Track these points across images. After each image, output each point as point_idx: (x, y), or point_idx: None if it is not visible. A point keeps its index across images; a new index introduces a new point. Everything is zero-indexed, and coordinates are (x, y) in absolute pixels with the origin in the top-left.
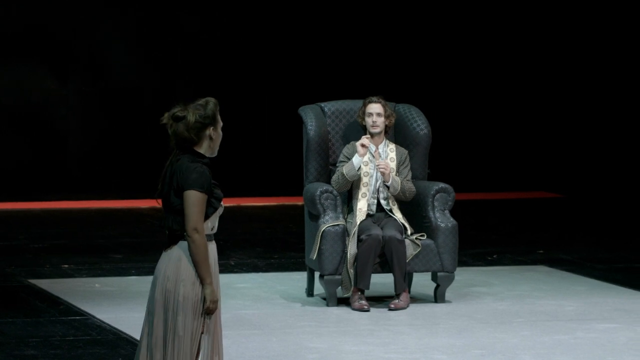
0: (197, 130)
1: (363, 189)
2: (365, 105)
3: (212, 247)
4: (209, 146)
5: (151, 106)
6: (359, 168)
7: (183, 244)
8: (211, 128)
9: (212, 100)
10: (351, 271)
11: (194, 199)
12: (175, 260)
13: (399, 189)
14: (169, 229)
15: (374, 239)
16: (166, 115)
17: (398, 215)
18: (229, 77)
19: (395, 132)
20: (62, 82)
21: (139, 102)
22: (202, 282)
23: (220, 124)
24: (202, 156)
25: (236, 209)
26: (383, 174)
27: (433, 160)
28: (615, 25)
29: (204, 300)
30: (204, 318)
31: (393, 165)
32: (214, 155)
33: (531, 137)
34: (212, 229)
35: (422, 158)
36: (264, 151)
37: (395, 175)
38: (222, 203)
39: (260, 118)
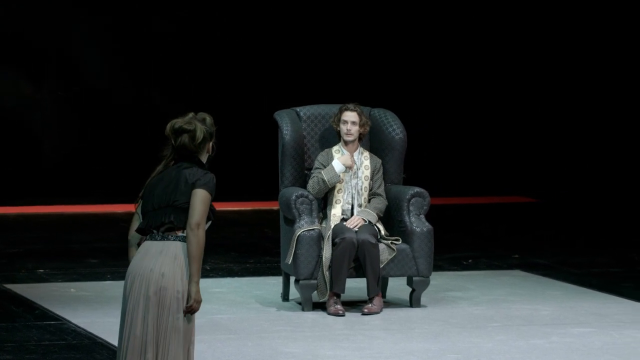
0: (203, 143)
1: (337, 196)
2: (341, 112)
3: None
4: (206, 158)
5: (126, 110)
6: (342, 174)
7: (178, 243)
8: (212, 142)
9: (208, 116)
10: (327, 274)
11: (204, 197)
12: (171, 258)
13: (376, 215)
14: (162, 224)
15: (348, 242)
16: (169, 126)
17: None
18: (204, 81)
19: (371, 137)
20: (37, 87)
21: (114, 106)
22: (190, 277)
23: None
24: (204, 166)
25: None
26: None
27: (408, 164)
28: (595, 31)
29: (188, 297)
30: (187, 316)
31: (367, 173)
32: None
33: (506, 141)
34: None
35: (398, 162)
36: (239, 156)
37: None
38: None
39: (236, 122)
